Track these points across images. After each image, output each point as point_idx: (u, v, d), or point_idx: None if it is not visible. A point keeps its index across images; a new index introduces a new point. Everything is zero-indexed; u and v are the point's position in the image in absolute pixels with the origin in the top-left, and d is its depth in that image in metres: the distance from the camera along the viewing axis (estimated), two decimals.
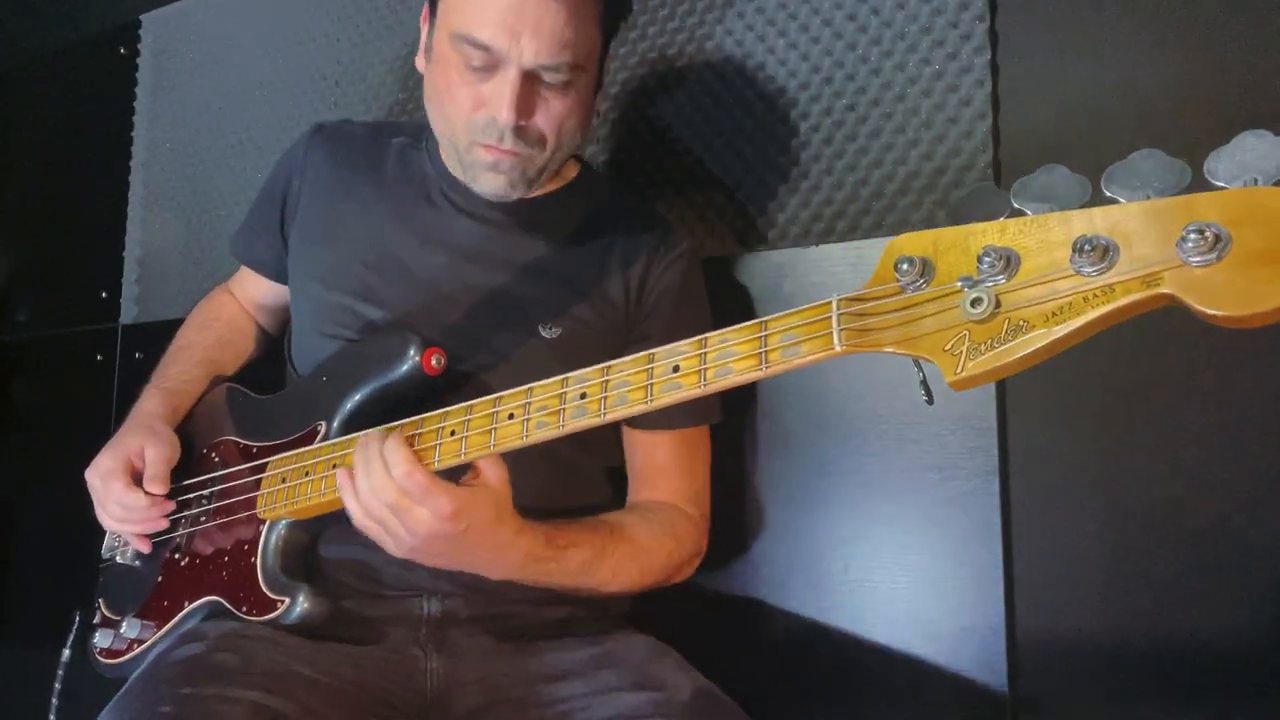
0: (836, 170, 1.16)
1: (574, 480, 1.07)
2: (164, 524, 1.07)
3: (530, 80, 0.94)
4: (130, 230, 1.87)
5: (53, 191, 2.05)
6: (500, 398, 0.84)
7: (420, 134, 1.16)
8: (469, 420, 0.85)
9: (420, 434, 0.88)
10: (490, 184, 1.01)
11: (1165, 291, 0.51)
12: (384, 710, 0.91)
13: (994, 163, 1.06)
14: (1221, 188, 0.51)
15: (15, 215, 2.11)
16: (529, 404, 0.81)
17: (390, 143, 1.16)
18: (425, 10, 1.04)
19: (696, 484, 1.09)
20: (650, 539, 1.00)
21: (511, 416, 0.82)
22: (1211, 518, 0.94)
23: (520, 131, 0.96)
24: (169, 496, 1.07)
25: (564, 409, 0.79)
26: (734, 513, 1.19)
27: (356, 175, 1.13)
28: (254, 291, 1.29)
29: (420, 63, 1.06)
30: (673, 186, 1.29)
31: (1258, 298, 0.48)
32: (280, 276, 1.23)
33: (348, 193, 1.13)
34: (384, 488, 0.82)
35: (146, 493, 1.03)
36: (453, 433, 0.86)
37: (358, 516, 0.86)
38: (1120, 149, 0.56)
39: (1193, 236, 0.49)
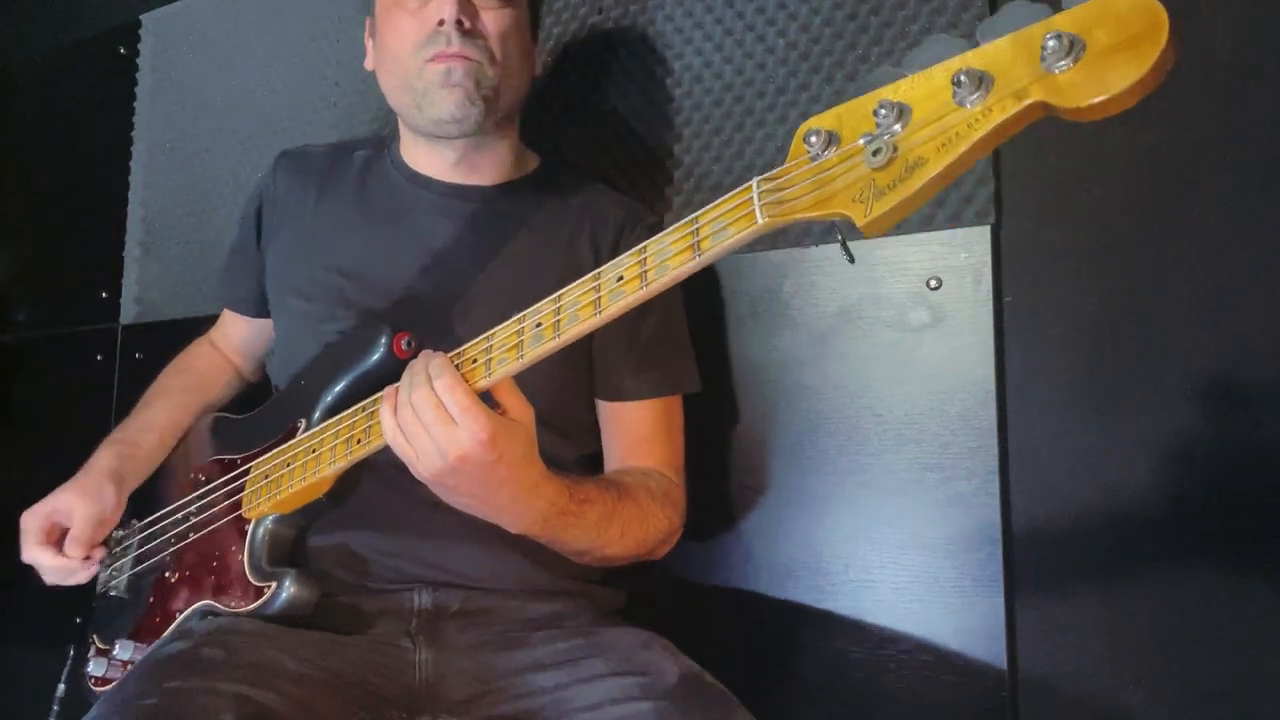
0: None
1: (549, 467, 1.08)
2: (83, 577, 1.10)
3: None
4: (130, 231, 1.87)
5: (53, 191, 2.05)
6: (463, 351, 0.85)
7: (381, 145, 1.22)
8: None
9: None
10: (446, 101, 1.04)
11: (1035, 100, 0.56)
12: (371, 702, 0.91)
13: (994, 161, 1.06)
14: None
15: (15, 215, 2.11)
16: (490, 346, 0.83)
17: (353, 156, 1.21)
18: (367, 21, 1.16)
19: (678, 453, 1.11)
20: (651, 503, 1.01)
21: (475, 361, 0.83)
22: (1212, 519, 0.94)
23: (466, 33, 1.03)
24: (151, 518, 1.09)
25: (521, 340, 0.81)
26: (735, 513, 1.19)
27: (324, 192, 1.17)
28: (235, 336, 1.32)
29: (370, 59, 1.16)
30: (673, 187, 1.29)
31: (1112, 82, 0.54)
32: (262, 313, 1.26)
33: (318, 209, 1.16)
34: (424, 400, 0.81)
35: (62, 554, 1.07)
36: None
37: (390, 430, 0.84)
38: None
39: (1051, 44, 0.55)
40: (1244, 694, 0.92)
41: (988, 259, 1.05)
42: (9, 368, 2.01)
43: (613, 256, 1.10)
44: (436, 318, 1.05)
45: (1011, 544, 1.02)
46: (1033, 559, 1.02)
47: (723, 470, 1.20)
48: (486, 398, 0.83)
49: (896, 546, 1.08)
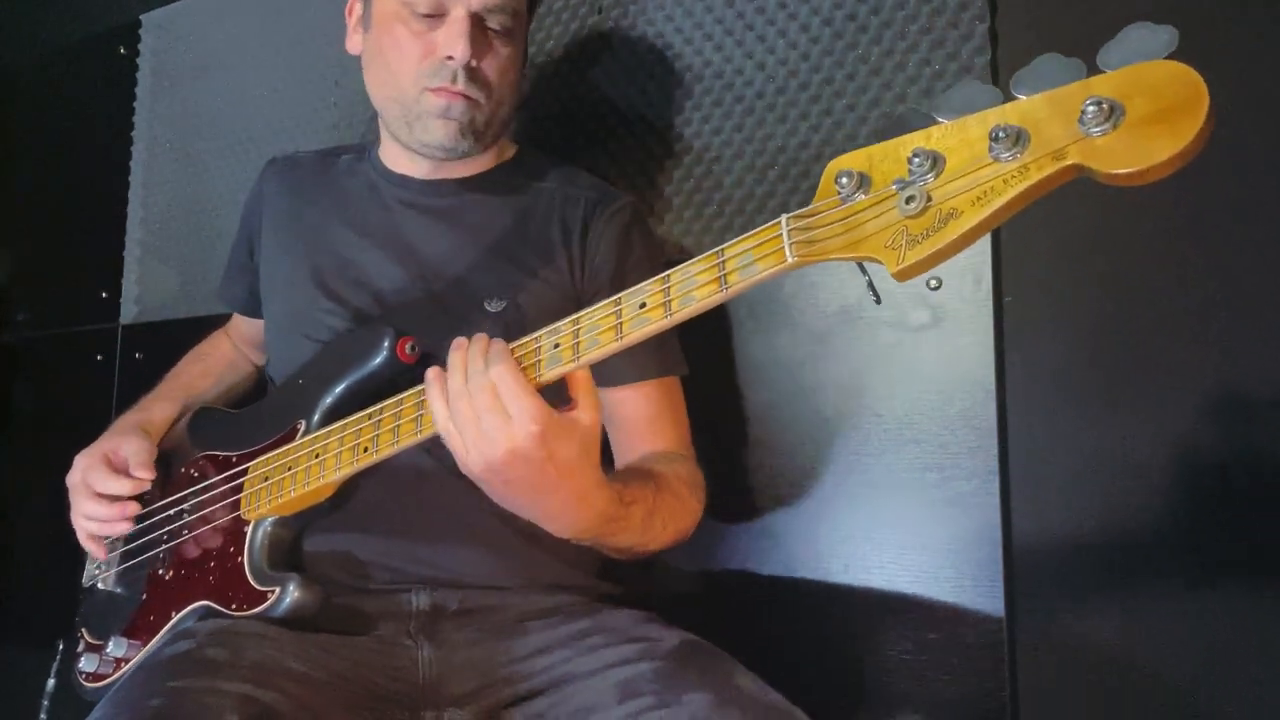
0: None
1: None
2: (128, 526, 1.08)
3: (477, 23, 1.02)
4: (130, 231, 1.87)
5: (53, 191, 2.05)
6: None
7: (363, 149, 1.23)
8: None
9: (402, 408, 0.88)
10: (439, 131, 1.05)
11: (1072, 163, 0.57)
12: (374, 702, 0.91)
13: None
14: None
15: (15, 215, 2.11)
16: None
17: (339, 160, 1.23)
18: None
19: (686, 432, 1.10)
20: (685, 489, 0.99)
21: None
22: (1212, 519, 0.94)
23: (472, 74, 1.02)
24: (143, 511, 1.08)
25: (539, 360, 0.79)
26: (735, 513, 1.19)
27: (311, 195, 1.19)
28: (245, 331, 1.36)
29: (353, 43, 1.13)
30: (673, 188, 1.29)
31: (1150, 152, 0.54)
32: (260, 314, 1.26)
33: (306, 212, 1.18)
34: (479, 386, 0.77)
35: (133, 477, 1.07)
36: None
37: (441, 419, 0.80)
38: None
39: (1091, 109, 0.55)
40: (1246, 693, 0.92)
41: (988, 259, 1.05)
42: (9, 368, 2.01)
43: (582, 239, 1.10)
44: (416, 314, 1.06)
45: (1011, 544, 1.02)
46: (1032, 559, 1.02)
47: (722, 470, 1.20)
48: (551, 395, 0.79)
49: (896, 546, 1.08)
